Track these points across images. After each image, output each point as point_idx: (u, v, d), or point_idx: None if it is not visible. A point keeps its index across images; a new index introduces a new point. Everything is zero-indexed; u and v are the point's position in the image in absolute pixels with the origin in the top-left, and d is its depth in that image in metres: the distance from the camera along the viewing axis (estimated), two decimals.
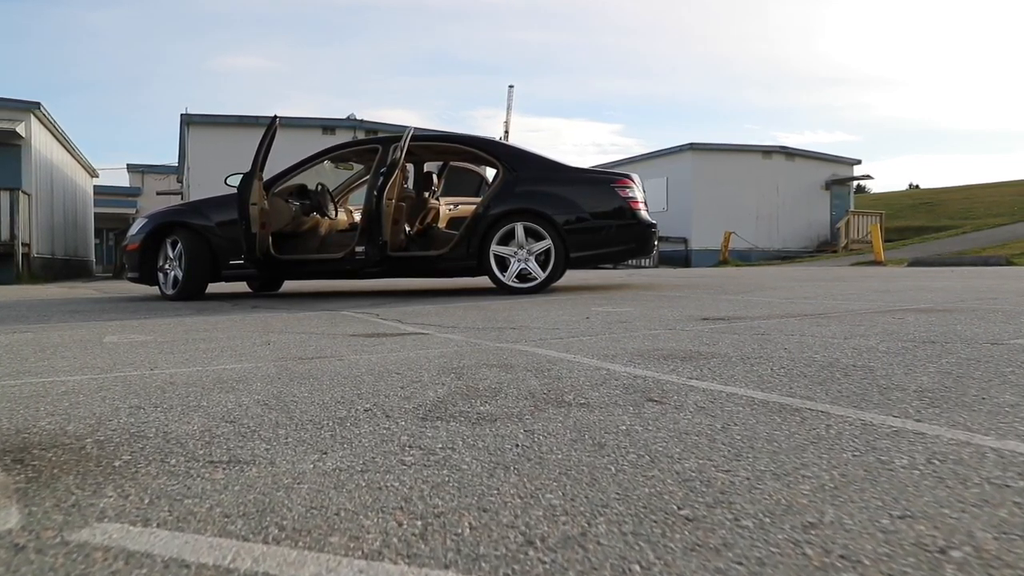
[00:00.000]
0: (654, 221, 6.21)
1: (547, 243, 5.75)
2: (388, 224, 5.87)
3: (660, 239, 16.93)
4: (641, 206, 6.01)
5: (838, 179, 25.28)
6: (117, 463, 1.31)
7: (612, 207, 5.91)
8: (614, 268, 14.75)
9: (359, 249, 5.94)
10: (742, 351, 2.49)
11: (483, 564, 0.87)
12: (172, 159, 26.97)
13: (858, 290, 5.74)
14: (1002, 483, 1.10)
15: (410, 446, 1.39)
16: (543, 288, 5.81)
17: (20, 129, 15.01)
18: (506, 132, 52.03)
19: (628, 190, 5.94)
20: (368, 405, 1.76)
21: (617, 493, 1.10)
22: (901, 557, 0.85)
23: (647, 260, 18.25)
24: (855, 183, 27.90)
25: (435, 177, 7.55)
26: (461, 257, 5.95)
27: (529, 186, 5.95)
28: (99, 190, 26.86)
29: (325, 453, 1.35)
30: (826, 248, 23.65)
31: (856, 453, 1.27)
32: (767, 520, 0.98)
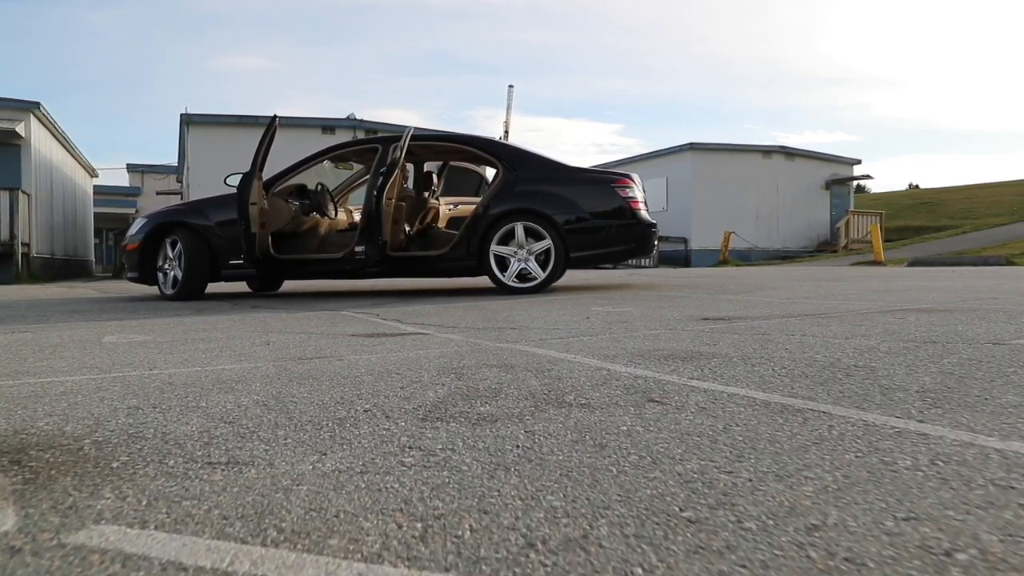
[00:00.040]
0: (654, 221, 6.21)
1: (547, 243, 5.74)
2: (388, 224, 5.86)
3: (660, 239, 16.92)
4: (641, 206, 6.01)
5: (838, 179, 25.28)
6: (115, 464, 1.30)
7: (612, 207, 5.90)
8: (614, 268, 14.74)
9: (359, 249, 5.93)
10: (743, 351, 2.48)
11: (484, 567, 0.86)
12: (172, 159, 26.99)
13: (858, 290, 5.73)
14: (1007, 485, 1.09)
15: (410, 447, 1.38)
16: (543, 288, 5.80)
17: (20, 129, 15.00)
18: (506, 132, 52.01)
19: (628, 190, 5.94)
20: (368, 406, 1.75)
21: (619, 495, 1.09)
22: (906, 560, 0.85)
23: (647, 260, 18.25)
24: (855, 183, 27.90)
25: (435, 177, 7.54)
26: (461, 257, 5.94)
27: (529, 186, 5.95)
28: (99, 190, 26.85)
29: (324, 454, 1.34)
30: (826, 248, 23.64)
31: (859, 454, 1.26)
32: (770, 522, 0.97)
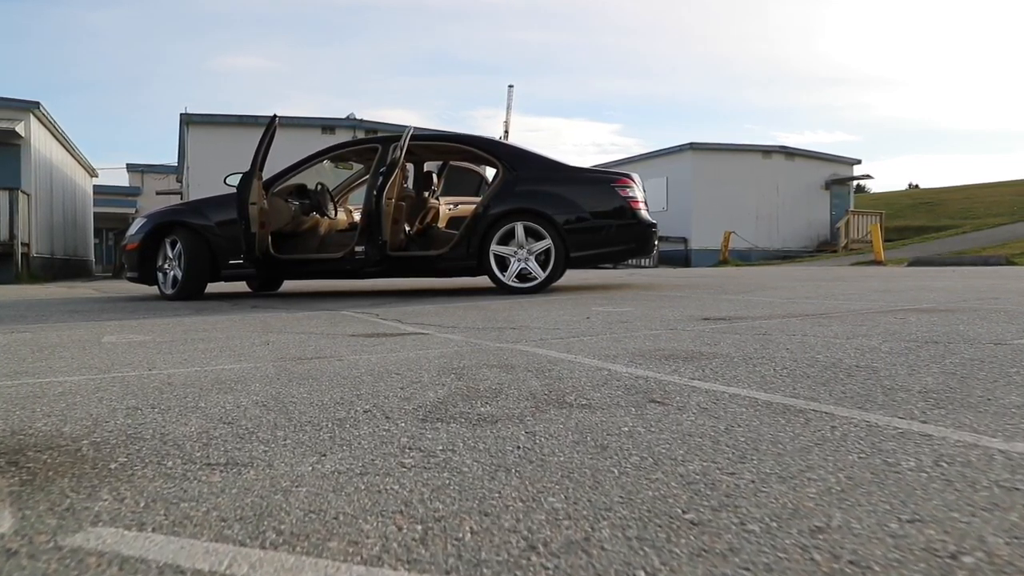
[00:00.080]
0: (654, 221, 6.20)
1: (547, 243, 5.73)
2: (388, 224, 5.85)
3: (660, 239, 16.89)
4: (641, 206, 6.00)
5: (838, 179, 25.27)
6: (113, 465, 1.29)
7: (612, 207, 5.89)
8: (614, 268, 14.73)
9: (359, 249, 5.92)
10: (744, 351, 2.47)
11: (485, 570, 0.85)
12: (172, 159, 26.98)
13: (859, 290, 5.72)
14: (1011, 486, 1.08)
15: (410, 448, 1.37)
16: (543, 288, 5.80)
17: (19, 129, 14.99)
18: (506, 132, 51.98)
19: (628, 190, 5.93)
20: (367, 406, 1.74)
21: (621, 496, 1.08)
22: (912, 563, 0.84)
23: (647, 260, 18.23)
24: (855, 183, 27.89)
25: (435, 177, 7.53)
26: (461, 257, 5.93)
27: (529, 186, 5.94)
28: (99, 190, 26.84)
29: (324, 455, 1.34)
30: (826, 248, 23.63)
31: (862, 455, 1.25)
32: (774, 524, 0.96)
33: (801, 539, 0.91)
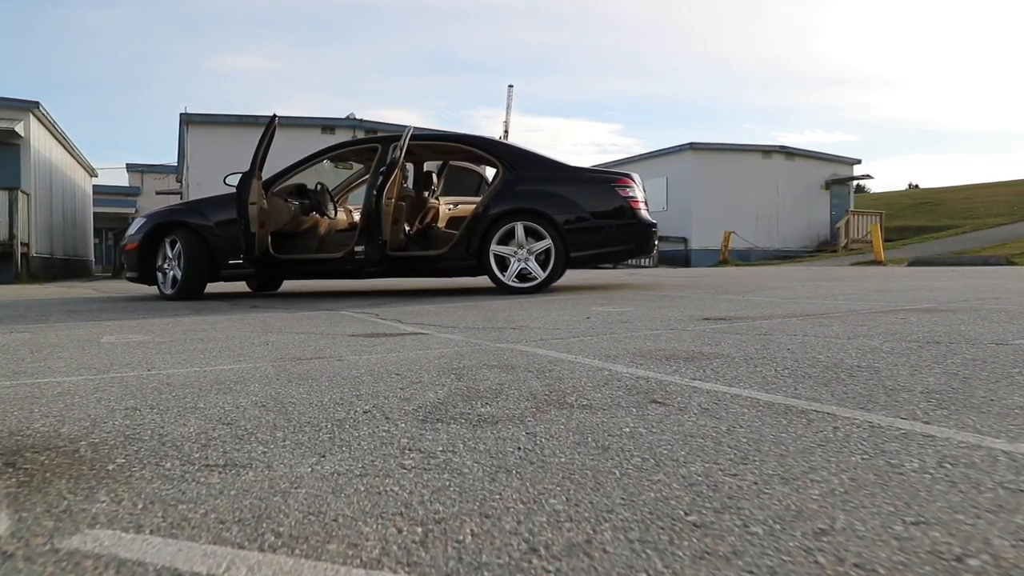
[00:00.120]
0: (654, 221, 6.19)
1: (547, 243, 5.73)
2: (388, 224, 5.84)
3: (660, 239, 16.89)
4: (641, 206, 5.99)
5: (838, 179, 25.27)
6: (111, 467, 1.28)
7: (612, 207, 5.89)
8: (614, 268, 14.72)
9: (358, 249, 5.92)
10: (745, 352, 2.46)
11: (486, 573, 0.84)
12: (172, 159, 26.97)
13: (859, 290, 5.72)
14: (1016, 488, 1.07)
15: (410, 449, 1.36)
16: (543, 288, 5.79)
17: (19, 128, 14.97)
18: (506, 132, 52.02)
19: (628, 190, 5.92)
20: (367, 407, 1.73)
21: (622, 498, 1.07)
22: (917, 566, 0.83)
23: (647, 260, 18.22)
24: (855, 183, 27.88)
25: (435, 176, 7.53)
26: (461, 257, 5.92)
27: (529, 185, 5.93)
28: (98, 190, 26.83)
29: (323, 456, 1.33)
30: (826, 248, 23.62)
31: (865, 456, 1.25)
32: (777, 526, 0.95)
33: (805, 541, 0.90)
